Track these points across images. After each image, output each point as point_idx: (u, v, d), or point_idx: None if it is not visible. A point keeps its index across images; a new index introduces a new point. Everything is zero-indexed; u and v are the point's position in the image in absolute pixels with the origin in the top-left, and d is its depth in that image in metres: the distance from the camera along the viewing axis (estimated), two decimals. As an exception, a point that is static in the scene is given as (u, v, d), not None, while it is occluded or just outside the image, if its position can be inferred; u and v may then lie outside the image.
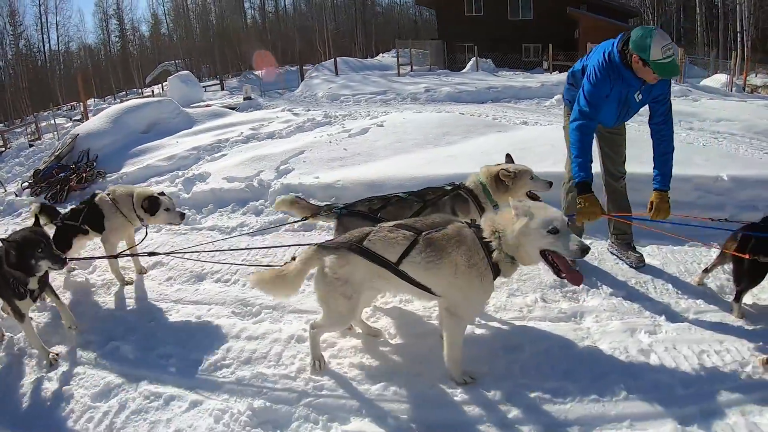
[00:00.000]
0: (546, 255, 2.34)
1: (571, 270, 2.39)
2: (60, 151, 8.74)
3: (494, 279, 2.47)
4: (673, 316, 3.18)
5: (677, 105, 9.51)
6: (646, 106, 3.44)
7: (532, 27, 26.40)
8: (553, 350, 2.90)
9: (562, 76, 18.01)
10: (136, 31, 47.93)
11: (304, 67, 29.09)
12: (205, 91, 25.62)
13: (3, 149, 12.62)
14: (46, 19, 42.83)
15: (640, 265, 3.76)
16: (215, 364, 2.93)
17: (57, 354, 3.25)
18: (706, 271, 3.49)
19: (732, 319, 3.15)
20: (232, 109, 15.17)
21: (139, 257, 4.23)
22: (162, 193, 4.10)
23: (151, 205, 3.93)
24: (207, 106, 16.06)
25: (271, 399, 2.60)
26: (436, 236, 2.42)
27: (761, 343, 2.86)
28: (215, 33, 43.11)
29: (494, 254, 2.40)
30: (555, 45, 21.09)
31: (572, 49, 21.53)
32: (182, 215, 4.11)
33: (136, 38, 47.75)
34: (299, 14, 46.32)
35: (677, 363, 2.75)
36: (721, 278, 3.54)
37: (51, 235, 3.52)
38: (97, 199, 4.05)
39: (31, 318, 3.41)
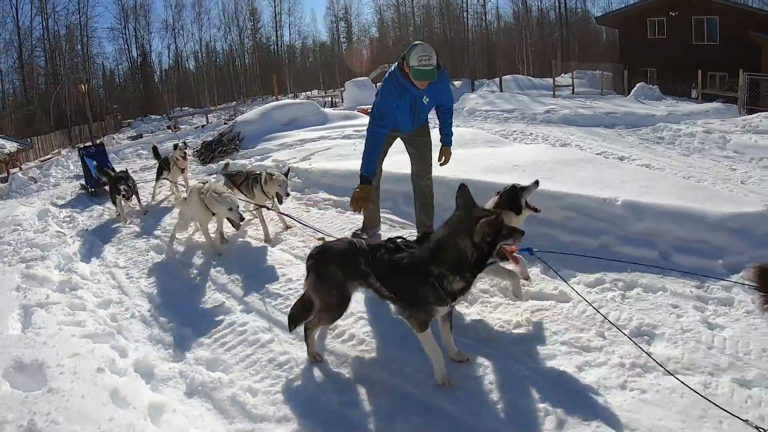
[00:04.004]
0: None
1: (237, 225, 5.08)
2: (223, 130, 13.43)
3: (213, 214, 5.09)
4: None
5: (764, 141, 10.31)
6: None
7: (717, 53, 23.69)
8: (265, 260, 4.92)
9: (703, 106, 17.37)
10: (366, 34, 53.89)
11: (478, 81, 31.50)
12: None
13: (205, 124, 18.66)
14: (280, 19, 50.36)
15: None
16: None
17: (128, 221, 7.20)
18: None
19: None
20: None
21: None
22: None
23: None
24: (363, 111, 19.75)
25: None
26: (193, 187, 5.34)
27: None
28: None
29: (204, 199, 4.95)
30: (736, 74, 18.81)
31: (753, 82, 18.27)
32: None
33: (366, 39, 53.59)
34: (507, 29, 48.21)
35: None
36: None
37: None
38: (169, 156, 8.01)
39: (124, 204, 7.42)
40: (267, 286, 4.30)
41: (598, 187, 4.81)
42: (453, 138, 4.62)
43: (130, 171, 8.35)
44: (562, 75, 32.73)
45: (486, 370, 2.97)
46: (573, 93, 25.40)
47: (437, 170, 4.72)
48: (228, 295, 4.31)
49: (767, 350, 3.00)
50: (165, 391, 3.05)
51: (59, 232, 6.98)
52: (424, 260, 2.63)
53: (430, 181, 4.42)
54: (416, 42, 3.77)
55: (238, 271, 4.75)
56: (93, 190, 9.58)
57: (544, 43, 44.60)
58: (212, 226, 5.50)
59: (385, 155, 4.44)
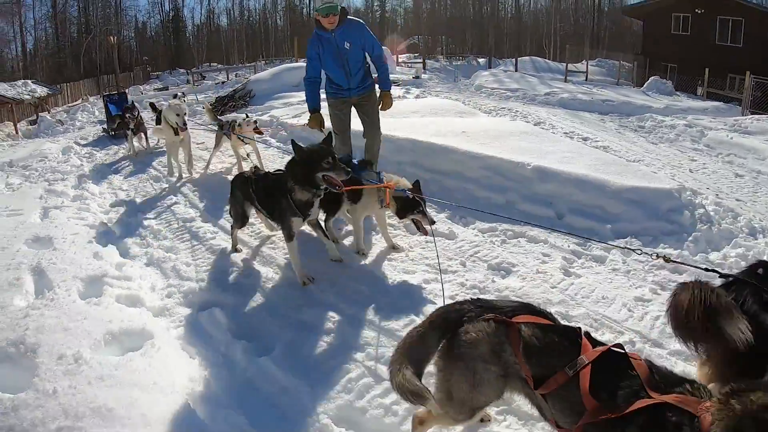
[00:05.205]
0: None
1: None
2: (236, 88, 14.69)
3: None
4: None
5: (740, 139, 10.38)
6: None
7: (739, 55, 22.82)
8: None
9: (704, 104, 17.68)
10: (401, 3, 53.15)
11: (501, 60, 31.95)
12: (410, 68, 30.54)
13: (226, 81, 20.07)
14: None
15: None
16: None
17: (136, 153, 8.58)
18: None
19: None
20: (394, 83, 19.46)
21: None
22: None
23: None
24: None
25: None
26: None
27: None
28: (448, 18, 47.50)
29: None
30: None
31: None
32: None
33: (401, 9, 53.28)
34: (541, 12, 47.93)
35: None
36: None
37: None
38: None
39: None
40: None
41: (521, 153, 5.31)
42: (420, 102, 5.35)
43: (147, 118, 9.59)
44: (582, 62, 32.91)
45: (350, 271, 3.90)
46: (586, 80, 25.75)
47: (390, 131, 5.45)
48: (196, 210, 5.66)
49: (607, 298, 3.40)
50: (133, 261, 4.41)
51: (79, 163, 8.42)
52: (285, 181, 3.62)
53: (379, 140, 4.94)
54: None
55: (207, 194, 6.13)
56: (113, 132, 10.98)
57: (573, 28, 44.40)
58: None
59: (350, 123, 4.88)
